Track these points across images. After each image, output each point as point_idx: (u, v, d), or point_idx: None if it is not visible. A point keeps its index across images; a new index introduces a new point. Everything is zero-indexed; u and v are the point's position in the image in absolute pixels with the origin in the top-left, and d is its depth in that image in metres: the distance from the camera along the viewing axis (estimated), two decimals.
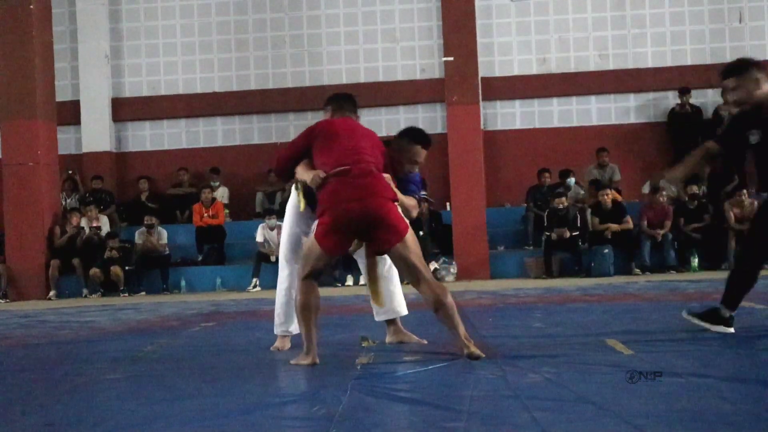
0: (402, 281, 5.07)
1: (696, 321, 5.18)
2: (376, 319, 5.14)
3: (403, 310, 5.08)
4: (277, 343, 5.09)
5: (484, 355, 4.25)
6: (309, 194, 4.63)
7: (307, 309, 4.32)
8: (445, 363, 4.25)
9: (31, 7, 12.47)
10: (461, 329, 4.35)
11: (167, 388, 3.92)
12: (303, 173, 4.51)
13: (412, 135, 4.75)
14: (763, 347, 4.42)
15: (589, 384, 3.53)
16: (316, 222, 4.48)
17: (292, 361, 4.39)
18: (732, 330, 5.03)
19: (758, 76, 4.92)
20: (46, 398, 3.80)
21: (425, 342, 4.99)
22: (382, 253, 4.49)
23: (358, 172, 4.32)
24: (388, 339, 5.10)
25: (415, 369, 4.15)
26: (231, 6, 14.72)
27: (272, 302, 9.73)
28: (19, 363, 5.25)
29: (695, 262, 11.94)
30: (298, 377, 4.09)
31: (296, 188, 4.80)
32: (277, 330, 5.10)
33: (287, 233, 4.98)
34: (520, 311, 6.90)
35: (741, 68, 4.97)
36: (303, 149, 4.60)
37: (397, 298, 5.05)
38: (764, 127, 4.92)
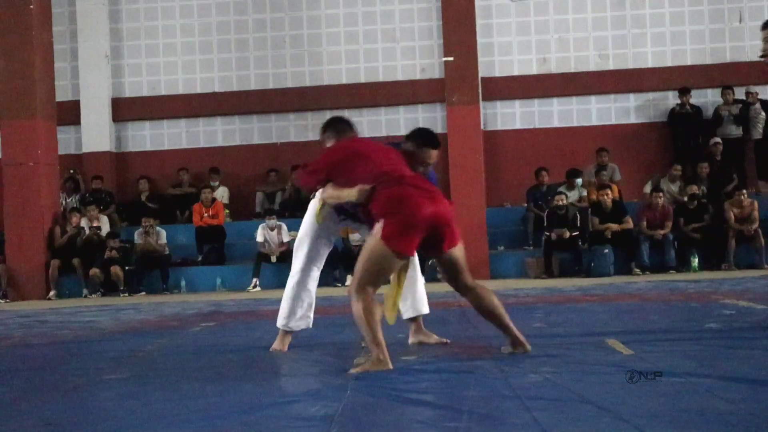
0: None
1: None
2: (403, 317, 5.08)
3: (426, 309, 5.10)
4: (277, 344, 5.04)
5: (528, 349, 4.39)
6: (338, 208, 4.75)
7: (372, 314, 4.18)
8: (445, 363, 4.25)
9: (31, 7, 12.47)
10: (512, 327, 4.43)
11: (167, 388, 3.92)
12: (337, 191, 4.46)
13: (423, 138, 4.76)
14: (763, 347, 4.42)
15: (589, 384, 3.53)
16: (357, 231, 4.58)
17: (356, 370, 4.09)
18: None
19: None
20: (46, 398, 3.80)
21: (447, 341, 4.98)
22: (437, 255, 4.38)
23: (410, 177, 4.32)
24: (410, 340, 5.09)
25: (414, 369, 4.15)
26: (231, 6, 14.72)
27: (272, 302, 9.72)
28: (19, 363, 5.25)
29: (695, 262, 11.94)
30: (298, 377, 4.09)
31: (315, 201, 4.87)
32: (279, 323, 5.06)
33: (310, 229, 4.99)
34: (520, 311, 6.89)
35: None
36: (329, 169, 4.53)
37: (422, 297, 5.06)
38: None
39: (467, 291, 4.41)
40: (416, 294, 5.04)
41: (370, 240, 4.25)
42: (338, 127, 4.94)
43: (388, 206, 4.20)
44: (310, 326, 5.06)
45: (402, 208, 4.16)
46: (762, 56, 5.15)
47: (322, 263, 5.07)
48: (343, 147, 4.63)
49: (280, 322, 5.05)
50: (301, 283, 4.96)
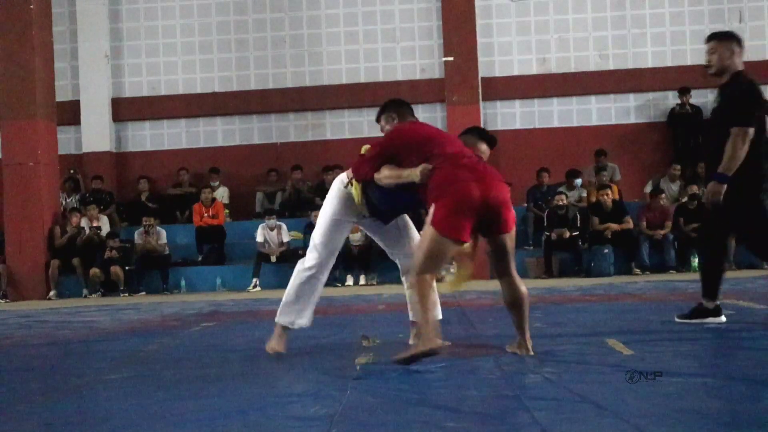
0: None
1: (689, 322, 5.33)
2: (413, 319, 4.94)
3: (438, 315, 4.89)
4: (275, 343, 4.82)
5: (531, 353, 4.39)
6: (365, 192, 4.62)
7: (431, 302, 4.17)
8: (446, 363, 4.25)
9: (31, 7, 12.47)
10: (527, 329, 4.45)
11: (167, 388, 3.92)
12: (397, 171, 4.36)
13: (480, 133, 4.77)
14: (763, 347, 4.42)
15: (589, 384, 3.53)
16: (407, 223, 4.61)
17: (407, 354, 4.09)
18: (723, 319, 5.32)
19: (736, 49, 5.28)
20: (46, 398, 3.80)
21: (449, 343, 4.84)
22: (490, 237, 4.32)
23: (468, 159, 4.26)
24: (412, 340, 4.95)
25: (415, 369, 4.15)
26: (231, 6, 14.73)
27: (272, 302, 9.69)
28: (19, 363, 5.25)
29: (695, 262, 11.92)
30: (298, 377, 4.09)
31: (349, 186, 4.67)
32: (283, 319, 4.82)
33: (329, 219, 4.77)
34: None
35: (723, 35, 5.36)
36: (390, 153, 4.43)
37: (435, 301, 4.91)
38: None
39: (504, 277, 4.41)
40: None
41: (425, 227, 4.16)
42: (401, 110, 4.78)
43: (438, 189, 4.14)
44: (310, 325, 4.91)
45: (451, 191, 4.09)
46: (706, 66, 5.38)
47: (335, 259, 4.88)
48: (408, 130, 4.49)
49: (284, 318, 4.82)
50: (315, 278, 4.76)
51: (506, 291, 4.43)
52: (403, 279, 4.99)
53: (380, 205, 4.59)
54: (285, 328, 4.83)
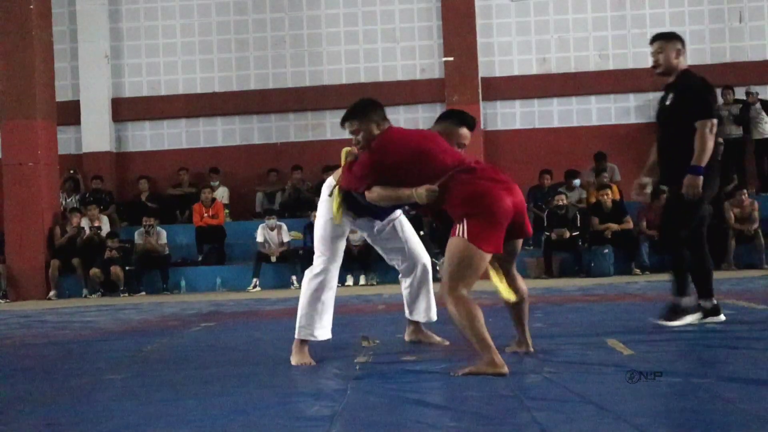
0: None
1: (677, 323, 5.32)
2: (411, 318, 4.98)
3: (434, 317, 4.97)
4: (299, 357, 4.48)
5: (531, 350, 4.40)
6: (347, 202, 4.48)
7: (475, 316, 3.90)
8: (445, 363, 4.25)
9: (31, 7, 12.47)
10: (527, 326, 4.46)
11: (167, 388, 3.92)
12: (395, 192, 4.16)
13: (459, 117, 4.55)
14: (763, 347, 4.42)
15: (589, 384, 3.53)
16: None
17: (466, 371, 3.84)
18: (723, 317, 5.40)
19: (681, 49, 5.39)
20: (46, 398, 3.79)
21: (447, 343, 4.88)
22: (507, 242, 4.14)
23: (481, 168, 4.12)
24: (406, 337, 5.03)
25: (415, 369, 4.15)
26: (231, 6, 14.73)
27: (272, 302, 9.71)
28: (19, 363, 5.25)
29: None
30: (298, 377, 4.09)
31: (331, 195, 4.52)
32: (302, 333, 4.53)
33: (326, 234, 4.56)
34: None
35: (669, 36, 5.47)
36: (380, 173, 4.19)
37: (432, 304, 4.96)
38: (660, 100, 5.47)
39: (507, 276, 4.34)
40: (429, 300, 4.95)
41: (455, 241, 3.97)
42: (368, 116, 4.33)
43: (469, 206, 3.97)
44: (330, 336, 4.63)
45: (484, 206, 3.95)
46: (654, 66, 5.46)
47: (341, 261, 4.69)
48: (396, 145, 4.21)
49: (304, 332, 4.52)
50: (325, 284, 4.54)
51: (514, 288, 4.38)
52: (401, 280, 4.95)
53: (371, 206, 4.44)
54: (304, 342, 4.54)
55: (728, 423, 2.76)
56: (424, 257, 4.91)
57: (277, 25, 14.65)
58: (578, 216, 12.42)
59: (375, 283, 12.06)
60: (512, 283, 4.37)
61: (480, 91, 13.70)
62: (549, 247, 12.19)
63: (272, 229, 12.63)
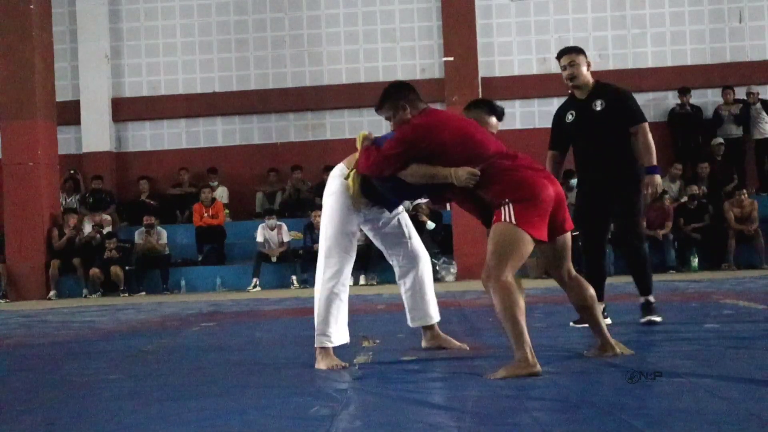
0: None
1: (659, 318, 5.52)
2: (411, 325, 4.81)
3: (437, 317, 4.80)
4: (326, 361, 4.29)
5: (618, 353, 4.17)
6: (363, 187, 4.30)
7: (519, 306, 3.79)
8: (445, 363, 4.25)
9: (31, 7, 12.48)
10: (605, 327, 4.23)
11: (167, 388, 3.92)
12: (432, 169, 4.05)
13: (489, 107, 4.51)
14: (763, 347, 4.42)
15: (589, 384, 3.53)
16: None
17: (497, 375, 3.70)
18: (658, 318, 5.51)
19: (588, 61, 5.77)
20: (47, 398, 3.79)
21: (467, 347, 4.71)
22: (553, 238, 4.05)
23: (521, 157, 4.08)
24: (424, 344, 4.77)
25: (415, 369, 4.15)
26: (231, 6, 14.72)
27: (272, 302, 9.70)
28: (20, 363, 5.25)
29: (695, 262, 11.95)
30: (298, 377, 4.08)
31: (347, 177, 4.32)
32: (322, 341, 4.35)
33: (338, 230, 4.35)
34: None
35: (579, 49, 5.80)
36: (417, 151, 4.07)
37: (432, 304, 4.78)
38: (578, 109, 5.74)
39: (569, 280, 4.18)
40: (430, 302, 4.76)
41: (502, 226, 3.87)
42: (409, 97, 4.34)
43: (514, 191, 3.90)
44: (348, 341, 4.47)
45: (530, 192, 3.90)
46: (570, 78, 5.74)
47: (353, 260, 4.48)
48: (440, 126, 4.10)
49: (323, 339, 4.35)
50: (340, 286, 4.36)
51: (572, 293, 4.20)
52: (399, 282, 4.79)
53: (386, 193, 4.35)
54: (324, 348, 4.36)
55: (728, 423, 2.76)
56: (425, 256, 4.79)
57: (277, 25, 14.65)
58: None
59: (375, 283, 12.05)
60: (574, 284, 4.18)
61: (480, 91, 13.68)
62: None
63: (272, 229, 12.63)
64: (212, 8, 14.75)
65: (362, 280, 12.13)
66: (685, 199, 12.68)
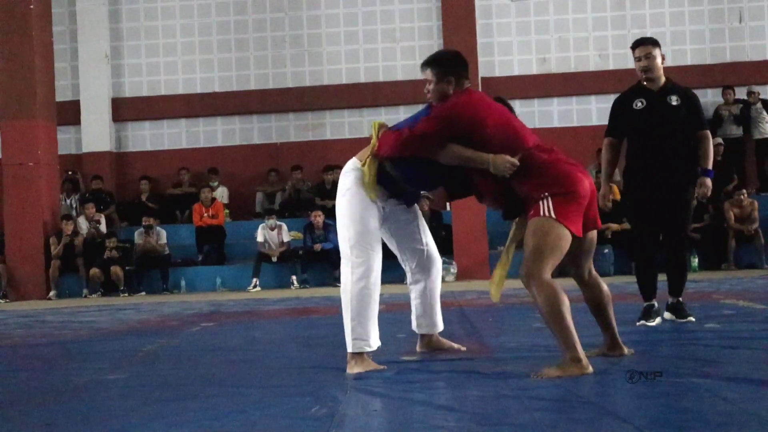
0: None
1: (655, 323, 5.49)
2: (417, 331, 4.71)
3: (442, 325, 4.72)
4: (362, 366, 4.08)
5: (626, 353, 4.16)
6: (379, 176, 4.13)
7: (565, 305, 3.70)
8: (445, 363, 4.25)
9: (31, 7, 12.47)
10: (615, 329, 4.17)
11: (167, 388, 3.92)
12: (469, 152, 3.89)
13: (502, 102, 4.32)
14: (763, 347, 4.42)
15: (589, 384, 3.53)
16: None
17: (550, 375, 3.64)
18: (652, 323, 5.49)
19: (663, 54, 5.64)
20: (46, 398, 3.79)
21: (464, 349, 4.66)
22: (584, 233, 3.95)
23: (556, 150, 3.99)
24: (419, 348, 4.68)
25: (414, 369, 4.14)
26: (231, 6, 14.73)
27: (272, 302, 9.68)
28: (20, 363, 5.25)
29: (695, 262, 11.94)
30: (298, 377, 4.08)
31: (363, 164, 4.13)
32: (356, 345, 4.11)
33: (359, 227, 4.14)
34: (520, 311, 6.90)
35: (653, 41, 5.63)
36: (456, 130, 3.91)
37: (440, 312, 4.68)
38: (650, 99, 5.56)
39: (589, 278, 4.11)
40: (438, 309, 4.66)
41: (542, 221, 3.78)
42: (460, 73, 4.10)
43: (553, 185, 3.81)
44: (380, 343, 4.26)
45: (569, 186, 3.81)
46: (641, 71, 5.58)
47: (381, 257, 4.24)
48: (487, 108, 3.94)
49: (358, 344, 4.10)
50: (372, 285, 4.17)
51: (590, 291, 4.13)
52: (410, 288, 4.67)
53: (404, 183, 4.20)
54: (359, 354, 4.14)
55: (728, 423, 2.76)
56: (439, 264, 4.68)
57: (277, 25, 14.65)
58: None
59: None
60: (593, 283, 4.12)
61: (480, 90, 13.68)
62: None
63: (272, 229, 12.63)
64: (212, 8, 14.76)
65: None
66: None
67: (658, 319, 5.54)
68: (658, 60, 5.53)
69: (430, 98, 4.19)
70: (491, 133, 3.90)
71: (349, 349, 4.12)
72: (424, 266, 4.59)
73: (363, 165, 4.15)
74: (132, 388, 3.97)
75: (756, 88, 13.44)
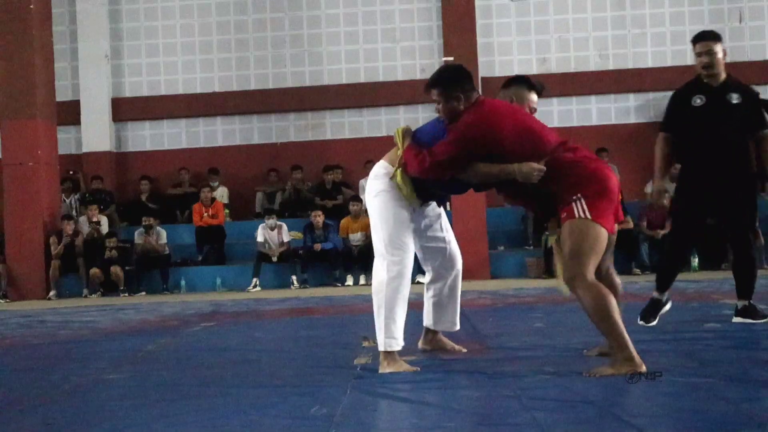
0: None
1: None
2: (433, 328, 4.68)
3: (457, 327, 4.70)
4: (394, 365, 4.08)
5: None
6: (413, 185, 4.11)
7: (612, 304, 3.72)
8: (446, 363, 4.25)
9: (31, 7, 12.46)
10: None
11: (167, 388, 3.92)
12: (493, 167, 3.89)
13: (528, 82, 4.32)
14: (763, 347, 4.42)
15: (589, 384, 3.53)
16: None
17: (603, 373, 3.66)
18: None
19: (725, 49, 5.46)
20: (46, 398, 3.79)
21: (465, 350, 4.64)
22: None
23: (579, 148, 3.99)
24: (421, 345, 4.69)
25: (414, 369, 4.14)
26: (231, 6, 14.72)
27: (272, 302, 9.68)
28: (20, 363, 5.25)
29: (695, 262, 11.94)
30: (298, 377, 4.08)
31: (395, 179, 4.10)
32: (388, 344, 4.10)
33: (393, 228, 4.13)
34: (520, 311, 6.90)
35: (715, 36, 5.43)
36: (478, 149, 3.89)
37: (458, 311, 4.67)
38: (709, 95, 5.37)
39: (606, 274, 4.08)
40: (456, 308, 4.64)
41: (579, 222, 3.78)
42: (465, 87, 4.10)
43: (585, 185, 3.82)
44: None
45: (600, 185, 3.83)
46: (701, 68, 5.41)
47: (413, 256, 4.24)
48: (500, 121, 3.89)
49: (391, 342, 4.10)
50: (405, 284, 4.13)
51: (609, 285, 4.06)
52: (428, 287, 4.61)
53: (437, 190, 4.23)
54: (390, 352, 4.14)
55: (728, 423, 2.76)
56: (460, 261, 4.65)
57: (277, 25, 14.65)
58: None
59: None
60: (609, 279, 4.11)
61: (480, 91, 13.68)
62: (549, 247, 12.19)
63: (272, 229, 12.62)
64: (212, 8, 14.75)
65: (362, 280, 12.12)
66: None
67: (656, 320, 5.52)
68: (720, 55, 5.36)
69: (441, 117, 4.14)
70: (511, 143, 3.86)
71: (381, 348, 4.12)
72: (446, 264, 4.58)
73: (394, 178, 4.12)
74: (132, 388, 3.97)
75: (755, 89, 13.42)
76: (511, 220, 13.78)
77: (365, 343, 5.06)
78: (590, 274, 3.76)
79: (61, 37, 14.42)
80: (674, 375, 3.60)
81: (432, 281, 4.61)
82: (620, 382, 3.52)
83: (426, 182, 4.10)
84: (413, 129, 4.30)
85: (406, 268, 4.14)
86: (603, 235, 3.80)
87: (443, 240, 4.54)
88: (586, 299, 3.73)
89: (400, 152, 4.13)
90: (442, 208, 4.60)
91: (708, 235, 12.61)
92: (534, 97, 4.30)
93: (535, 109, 4.25)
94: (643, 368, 3.64)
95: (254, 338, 5.98)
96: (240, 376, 4.19)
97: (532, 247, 12.94)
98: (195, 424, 3.10)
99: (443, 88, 4.07)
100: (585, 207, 3.79)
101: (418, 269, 5.20)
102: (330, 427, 2.91)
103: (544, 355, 4.36)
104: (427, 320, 4.67)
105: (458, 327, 4.70)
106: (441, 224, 4.53)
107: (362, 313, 7.51)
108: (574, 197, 3.82)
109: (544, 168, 3.85)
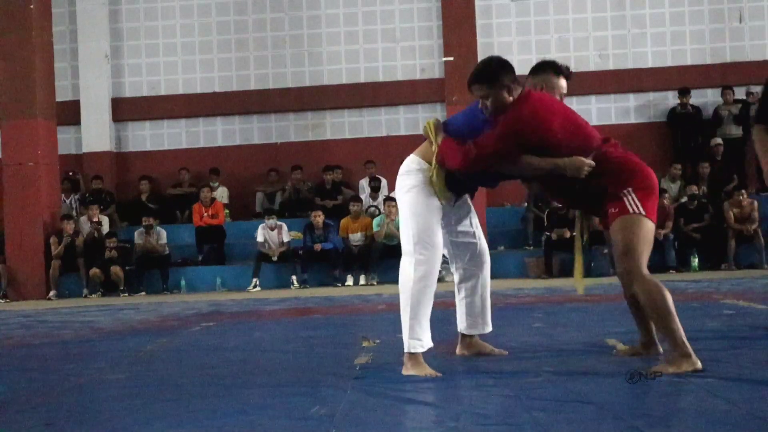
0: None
1: None
2: (466, 332, 4.49)
3: (490, 328, 4.57)
4: (419, 369, 3.98)
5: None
6: (449, 181, 4.03)
7: (671, 303, 3.75)
8: (446, 363, 4.25)
9: (31, 7, 12.47)
10: (652, 329, 4.14)
11: (167, 388, 3.92)
12: (544, 160, 3.84)
13: (556, 67, 4.23)
14: (763, 347, 4.42)
15: (589, 384, 3.53)
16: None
17: (667, 371, 3.63)
18: None
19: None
20: (46, 398, 3.79)
21: (506, 353, 4.49)
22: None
23: (618, 144, 4.02)
24: (459, 351, 4.51)
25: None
26: (231, 6, 14.72)
27: (272, 302, 9.68)
28: (20, 363, 5.25)
29: (695, 262, 11.94)
30: (298, 377, 4.08)
31: (433, 176, 4.01)
32: (413, 346, 4.00)
33: (423, 226, 4.03)
34: (520, 311, 6.90)
35: None
36: (525, 142, 3.82)
37: (489, 314, 4.56)
38: None
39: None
40: (488, 308, 4.52)
41: (633, 218, 3.79)
42: (509, 77, 3.93)
43: (634, 181, 3.87)
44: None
45: (647, 180, 3.89)
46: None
47: (441, 255, 4.14)
48: (549, 114, 3.84)
49: (415, 343, 4.00)
50: (432, 283, 4.05)
51: (632, 288, 4.02)
52: (459, 287, 4.47)
53: (471, 182, 4.16)
54: (414, 354, 4.04)
55: (728, 423, 2.76)
56: (488, 258, 4.52)
57: (277, 25, 14.65)
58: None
59: (375, 283, 12.05)
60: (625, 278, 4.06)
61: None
62: (549, 247, 12.18)
63: (272, 229, 12.62)
64: (212, 8, 14.75)
65: (362, 280, 12.13)
66: (685, 199, 12.67)
67: None
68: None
69: (488, 114, 3.96)
70: (560, 137, 3.83)
71: (406, 350, 4.02)
72: (476, 261, 4.45)
73: (432, 175, 4.02)
74: (132, 388, 3.97)
75: (755, 89, 13.43)
76: (511, 220, 13.78)
77: (365, 343, 5.06)
78: (644, 268, 3.79)
79: (61, 37, 14.42)
80: (674, 375, 3.59)
81: (462, 280, 4.48)
82: (620, 382, 3.52)
83: (460, 175, 4.02)
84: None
85: (433, 267, 4.04)
86: (652, 229, 3.86)
87: (473, 235, 4.42)
88: (643, 295, 3.78)
89: (434, 147, 4.02)
90: (471, 203, 4.45)
91: (708, 235, 12.62)
92: (563, 83, 4.23)
93: (565, 95, 4.19)
94: (699, 365, 3.64)
95: (254, 338, 5.98)
96: (240, 376, 4.19)
97: (531, 247, 12.94)
98: (195, 424, 3.09)
99: (489, 82, 3.91)
100: (636, 201, 3.85)
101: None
102: (330, 427, 2.91)
103: (544, 355, 4.36)
104: (461, 325, 4.51)
105: (490, 328, 4.54)
106: (471, 219, 4.42)
107: (362, 313, 7.52)
108: (625, 192, 3.87)
109: (593, 163, 3.86)
